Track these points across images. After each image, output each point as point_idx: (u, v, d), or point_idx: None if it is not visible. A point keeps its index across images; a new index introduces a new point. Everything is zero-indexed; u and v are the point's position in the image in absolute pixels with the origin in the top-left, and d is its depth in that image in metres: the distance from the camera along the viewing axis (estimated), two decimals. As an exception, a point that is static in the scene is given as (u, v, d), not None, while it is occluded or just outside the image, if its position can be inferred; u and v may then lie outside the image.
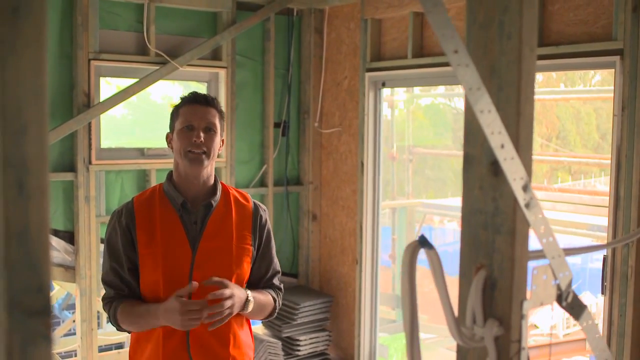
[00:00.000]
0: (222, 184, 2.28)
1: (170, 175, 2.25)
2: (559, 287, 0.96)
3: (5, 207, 0.52)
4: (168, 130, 2.25)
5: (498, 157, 0.85)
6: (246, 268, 2.24)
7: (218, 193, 2.23)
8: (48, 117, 0.53)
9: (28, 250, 0.54)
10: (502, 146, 0.84)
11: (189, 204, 2.18)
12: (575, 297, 0.99)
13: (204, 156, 2.15)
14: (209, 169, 2.21)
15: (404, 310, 0.90)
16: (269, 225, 2.33)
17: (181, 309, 2.01)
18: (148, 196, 2.23)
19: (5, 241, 0.53)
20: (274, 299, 2.31)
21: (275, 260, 2.36)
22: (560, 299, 0.97)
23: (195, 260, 2.14)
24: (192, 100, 2.21)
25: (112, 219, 2.22)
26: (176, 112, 2.22)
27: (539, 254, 0.94)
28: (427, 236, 0.90)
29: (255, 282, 2.30)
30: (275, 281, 2.36)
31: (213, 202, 2.20)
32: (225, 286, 2.07)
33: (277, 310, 2.34)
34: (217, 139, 2.20)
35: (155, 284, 2.14)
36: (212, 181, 2.24)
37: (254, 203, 2.31)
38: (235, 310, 2.10)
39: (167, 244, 2.14)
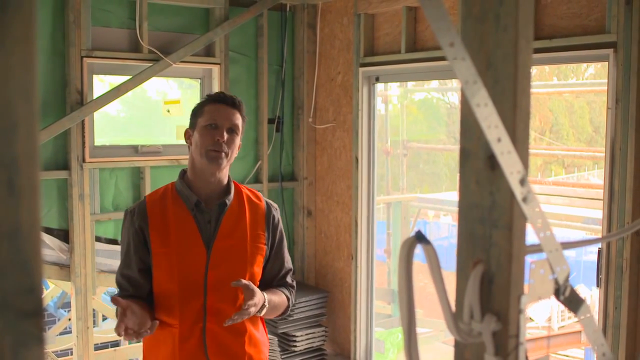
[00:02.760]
0: (234, 183, 2.28)
1: (183, 173, 2.24)
2: (556, 281, 0.96)
3: (-5, 207, 0.51)
4: (188, 127, 2.24)
5: (495, 151, 0.84)
6: (260, 267, 2.25)
7: (231, 192, 2.22)
8: (39, 115, 0.52)
9: (19, 251, 0.53)
10: (499, 140, 0.84)
11: (203, 203, 2.18)
12: (573, 290, 0.98)
13: (223, 155, 2.15)
14: (225, 170, 2.21)
15: (401, 305, 0.90)
16: (281, 224, 2.33)
17: (120, 317, 1.97)
18: (160, 195, 2.22)
19: (-5, 241, 0.52)
20: (287, 297, 2.31)
21: (288, 258, 2.36)
22: (558, 293, 0.96)
23: (211, 259, 2.14)
24: (220, 100, 2.20)
25: (125, 219, 2.22)
26: (200, 109, 2.21)
27: (537, 248, 0.93)
28: (422, 231, 0.90)
29: (269, 281, 2.30)
30: (288, 279, 2.36)
31: (227, 201, 2.19)
32: (251, 292, 2.04)
33: (290, 309, 2.34)
34: (238, 142, 2.21)
35: (170, 283, 2.13)
36: (225, 181, 2.23)
37: (266, 202, 2.31)
38: (252, 314, 2.10)
39: (181, 244, 2.13)
